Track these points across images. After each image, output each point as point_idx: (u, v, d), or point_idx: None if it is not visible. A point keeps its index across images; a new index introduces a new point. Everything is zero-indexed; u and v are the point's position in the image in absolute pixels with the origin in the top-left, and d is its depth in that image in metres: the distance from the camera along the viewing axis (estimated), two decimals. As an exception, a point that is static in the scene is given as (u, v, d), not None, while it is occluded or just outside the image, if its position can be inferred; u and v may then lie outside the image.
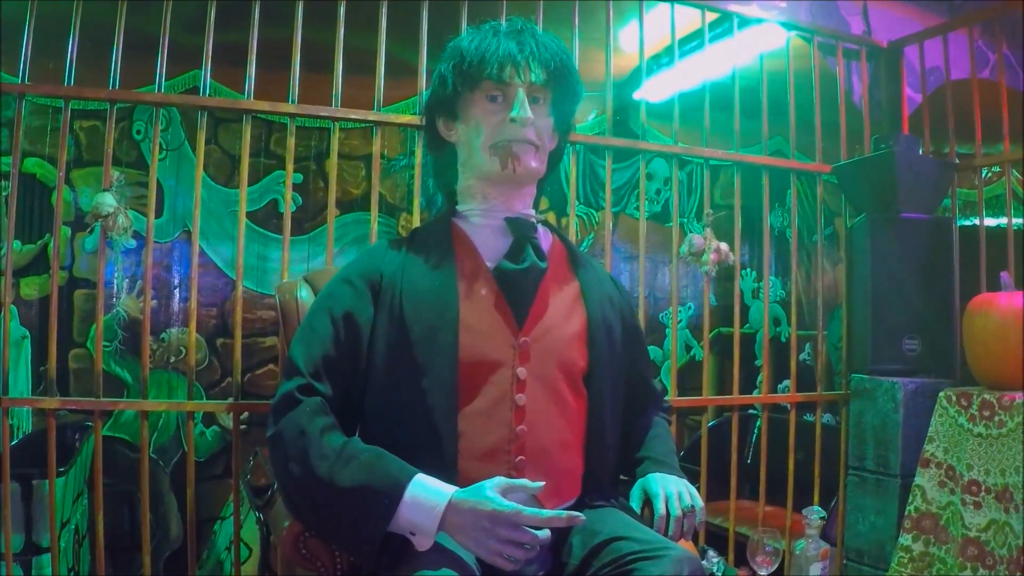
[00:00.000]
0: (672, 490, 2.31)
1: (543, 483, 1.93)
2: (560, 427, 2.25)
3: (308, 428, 2.06)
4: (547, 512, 1.89)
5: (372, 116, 3.31)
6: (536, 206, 2.46)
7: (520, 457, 2.15)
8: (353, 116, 3.31)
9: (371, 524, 1.93)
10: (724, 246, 3.67)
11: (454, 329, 2.18)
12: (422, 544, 1.93)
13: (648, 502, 2.33)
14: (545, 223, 2.48)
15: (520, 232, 2.32)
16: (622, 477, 2.51)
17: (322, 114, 3.30)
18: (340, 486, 1.97)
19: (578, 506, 2.23)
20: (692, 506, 2.28)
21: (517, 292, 2.27)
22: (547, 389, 2.24)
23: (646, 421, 2.62)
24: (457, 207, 2.44)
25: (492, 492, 1.92)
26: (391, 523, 1.92)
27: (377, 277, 2.28)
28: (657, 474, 2.39)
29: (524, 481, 1.93)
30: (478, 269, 2.30)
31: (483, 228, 2.36)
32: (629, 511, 2.31)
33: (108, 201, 2.95)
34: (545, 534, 1.87)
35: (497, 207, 2.35)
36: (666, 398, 2.90)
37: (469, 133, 2.33)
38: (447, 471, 2.08)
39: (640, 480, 2.40)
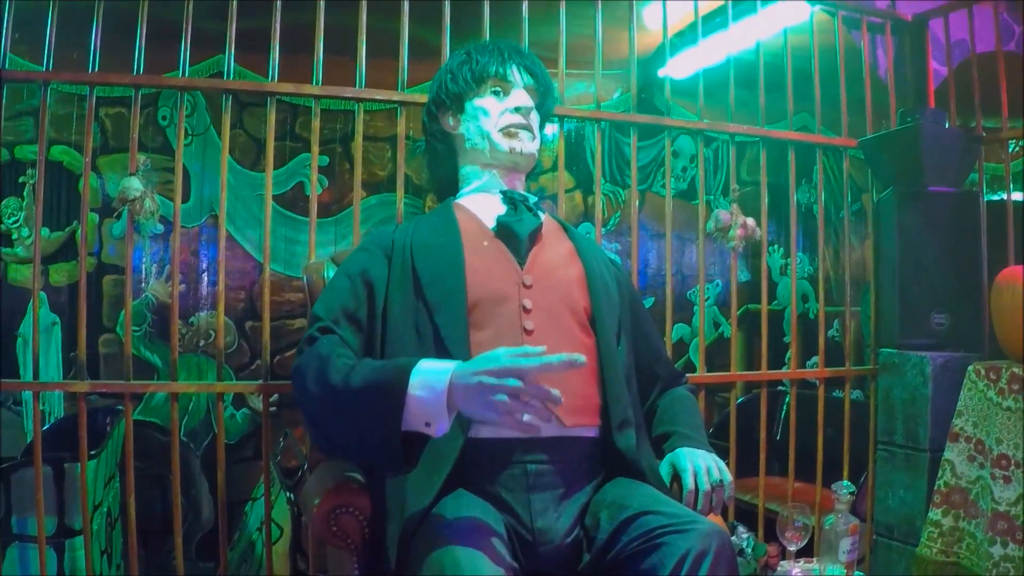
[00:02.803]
0: (701, 464, 2.34)
1: (544, 346, 1.90)
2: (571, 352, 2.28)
3: (324, 352, 2.16)
4: (545, 358, 1.87)
5: (396, 96, 3.32)
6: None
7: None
8: (377, 96, 3.31)
9: (386, 418, 1.95)
10: (751, 221, 3.66)
11: (461, 271, 2.35)
12: (439, 429, 1.94)
13: (677, 477, 2.36)
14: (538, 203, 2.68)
15: (512, 197, 2.55)
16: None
17: (346, 95, 3.30)
18: (353, 388, 2.03)
19: (605, 438, 2.31)
20: (721, 480, 2.31)
21: (516, 239, 2.46)
22: (555, 322, 2.35)
23: (671, 395, 2.68)
24: (457, 194, 2.67)
25: (494, 355, 1.92)
26: (405, 412, 1.93)
27: (389, 243, 2.48)
28: (685, 448, 2.42)
29: (527, 348, 1.90)
30: (479, 227, 2.52)
31: (482, 201, 2.59)
32: (658, 478, 2.34)
33: (135, 185, 2.96)
34: (556, 392, 1.85)
35: (495, 187, 2.60)
36: (687, 374, 2.94)
37: (476, 121, 2.62)
38: None
39: (668, 455, 2.44)
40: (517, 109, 2.58)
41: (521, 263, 2.42)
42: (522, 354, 1.88)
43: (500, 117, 2.59)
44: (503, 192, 2.57)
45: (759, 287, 3.95)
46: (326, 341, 2.23)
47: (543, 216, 2.60)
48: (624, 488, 2.23)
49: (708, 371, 3.84)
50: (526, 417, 1.85)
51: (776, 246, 6.06)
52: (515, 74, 2.63)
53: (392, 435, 1.94)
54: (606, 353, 2.37)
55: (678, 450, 2.42)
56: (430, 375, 1.94)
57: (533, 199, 2.60)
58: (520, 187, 2.65)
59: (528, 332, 2.27)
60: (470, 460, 2.15)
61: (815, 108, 3.97)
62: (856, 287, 4.14)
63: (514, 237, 2.45)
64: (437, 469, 2.12)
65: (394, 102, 3.34)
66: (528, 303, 2.32)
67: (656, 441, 2.53)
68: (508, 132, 2.57)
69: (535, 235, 2.49)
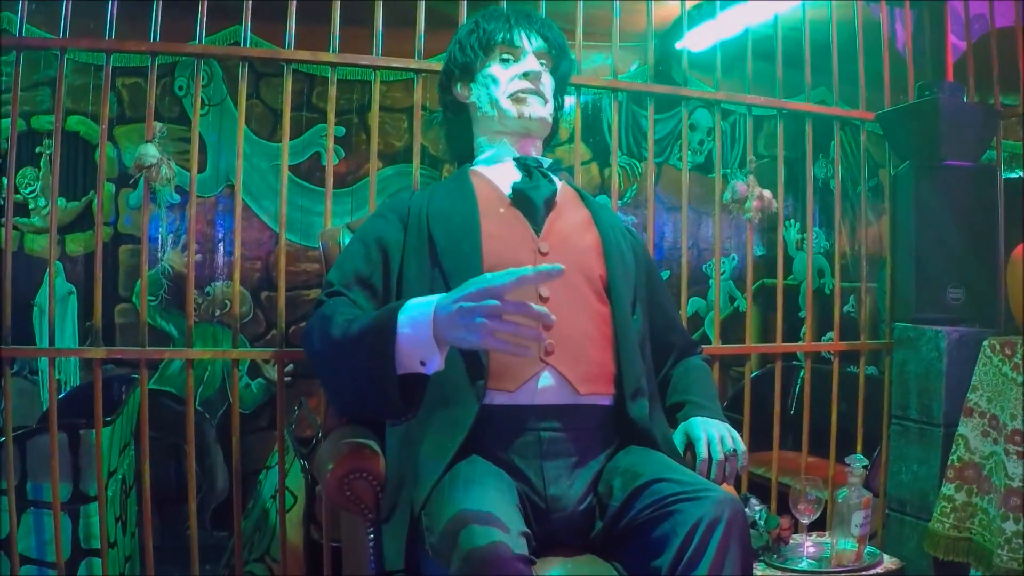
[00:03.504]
0: (714, 433, 2.35)
1: (561, 266, 1.83)
2: (586, 323, 2.34)
3: (328, 312, 2.19)
4: (519, 270, 1.83)
5: (413, 64, 3.31)
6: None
7: (548, 341, 2.22)
8: (394, 64, 3.31)
9: (380, 361, 1.95)
10: (767, 193, 3.65)
11: (477, 237, 2.35)
12: (431, 366, 1.94)
13: (690, 446, 2.36)
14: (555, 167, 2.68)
15: (526, 164, 2.55)
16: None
17: (363, 63, 3.30)
18: (351, 337, 2.04)
19: (618, 406, 2.32)
20: (735, 450, 2.32)
21: (532, 206, 2.46)
22: (570, 289, 2.34)
23: (685, 364, 2.69)
24: (474, 162, 2.67)
25: (475, 280, 1.90)
26: (397, 353, 1.93)
27: (405, 209, 2.49)
28: (699, 418, 2.43)
29: (512, 270, 1.84)
30: (495, 194, 2.52)
31: (497, 169, 2.58)
32: (671, 447, 2.35)
33: (151, 152, 2.97)
34: (541, 309, 1.82)
35: (510, 154, 2.60)
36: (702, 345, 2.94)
37: (487, 89, 2.62)
38: (478, 364, 2.20)
39: (682, 424, 2.45)
40: (525, 74, 2.57)
41: (537, 230, 2.41)
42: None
43: (509, 84, 2.58)
44: (515, 159, 2.57)
45: (775, 261, 3.94)
46: (332, 303, 2.24)
47: (560, 183, 2.60)
48: (637, 456, 2.25)
49: (723, 344, 3.85)
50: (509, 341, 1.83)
51: (792, 221, 6.05)
52: (523, 39, 2.61)
53: (387, 379, 1.95)
54: (621, 321, 2.37)
55: (692, 419, 2.43)
56: (415, 310, 1.94)
57: (548, 162, 2.61)
58: (536, 151, 2.64)
59: (543, 299, 2.26)
60: (484, 427, 2.16)
61: (833, 82, 3.96)
62: (872, 263, 4.14)
63: (530, 204, 2.44)
64: (451, 436, 2.13)
65: (411, 70, 3.33)
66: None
67: (670, 410, 2.54)
68: (516, 98, 2.56)
69: (551, 202, 2.49)
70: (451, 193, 2.51)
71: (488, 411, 2.18)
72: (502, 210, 2.45)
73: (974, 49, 4.09)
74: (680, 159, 3.84)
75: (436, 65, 3.07)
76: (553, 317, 1.80)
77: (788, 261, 6.00)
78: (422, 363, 1.94)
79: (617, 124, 3.69)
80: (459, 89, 2.69)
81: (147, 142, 3.00)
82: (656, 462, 2.19)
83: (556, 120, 2.75)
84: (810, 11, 3.91)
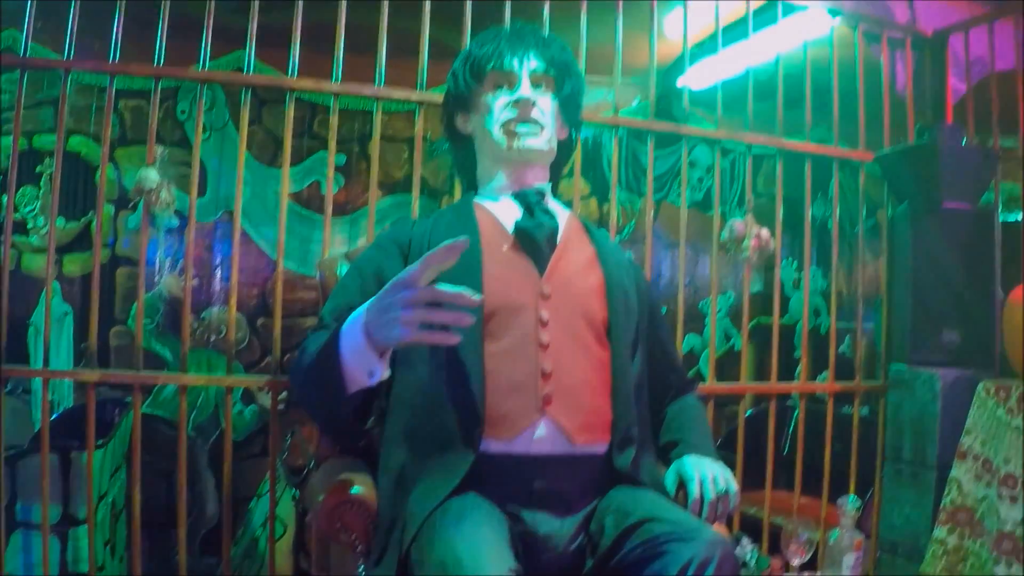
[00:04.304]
0: (707, 473, 2.32)
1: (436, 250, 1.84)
2: (585, 369, 2.30)
3: (306, 344, 2.21)
4: (423, 257, 1.83)
5: (415, 96, 3.33)
6: (554, 192, 2.67)
7: (547, 391, 2.21)
8: (396, 95, 3.32)
9: (331, 375, 1.99)
10: (765, 232, 3.65)
11: (478, 277, 2.30)
12: (377, 374, 1.96)
13: (682, 485, 2.34)
14: (558, 199, 2.67)
15: (526, 200, 2.47)
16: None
17: (365, 92, 3.32)
18: (310, 364, 2.09)
19: (610, 454, 2.28)
20: (727, 490, 2.29)
21: (535, 246, 2.40)
22: (570, 334, 2.31)
23: (680, 403, 2.67)
24: (477, 191, 2.63)
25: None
26: (346, 371, 1.96)
27: (406, 241, 2.46)
28: (692, 456, 2.41)
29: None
30: (498, 229, 2.45)
31: (500, 203, 2.53)
32: (662, 488, 2.34)
33: (151, 176, 2.98)
34: (458, 289, 1.84)
35: (509, 184, 2.53)
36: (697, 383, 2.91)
37: (482, 120, 2.54)
38: (476, 409, 2.17)
39: (675, 462, 2.42)
40: (517, 102, 2.47)
41: (540, 270, 2.37)
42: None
43: (500, 113, 2.49)
44: (514, 195, 2.50)
45: (771, 300, 3.95)
46: (313, 337, 2.23)
47: (567, 215, 2.58)
48: (629, 495, 2.23)
49: (717, 381, 3.84)
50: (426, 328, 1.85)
51: (790, 259, 6.06)
52: (516, 62, 2.51)
53: (341, 393, 2.00)
54: (619, 367, 2.35)
55: (684, 458, 2.41)
56: (351, 323, 1.97)
57: (545, 188, 2.56)
58: (539, 180, 2.56)
59: (543, 346, 2.25)
60: (478, 474, 2.14)
61: (833, 122, 3.97)
62: (869, 304, 4.14)
63: (533, 243, 2.40)
64: (445, 481, 2.12)
65: (412, 102, 3.35)
66: (545, 314, 2.29)
67: (664, 448, 2.53)
68: (507, 129, 2.48)
69: (555, 239, 2.45)
70: (453, 227, 2.43)
71: (483, 458, 2.16)
72: (505, 248, 2.40)
73: (974, 92, 4.11)
74: (679, 195, 3.85)
75: (438, 97, 3.07)
76: (478, 296, 1.81)
77: (784, 300, 6.01)
78: (370, 375, 1.96)
79: (617, 160, 3.69)
80: (459, 120, 2.65)
81: (148, 166, 3.01)
82: (647, 501, 2.18)
83: (567, 143, 2.69)
84: (811, 51, 3.92)
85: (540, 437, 2.17)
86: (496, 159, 2.55)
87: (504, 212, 2.49)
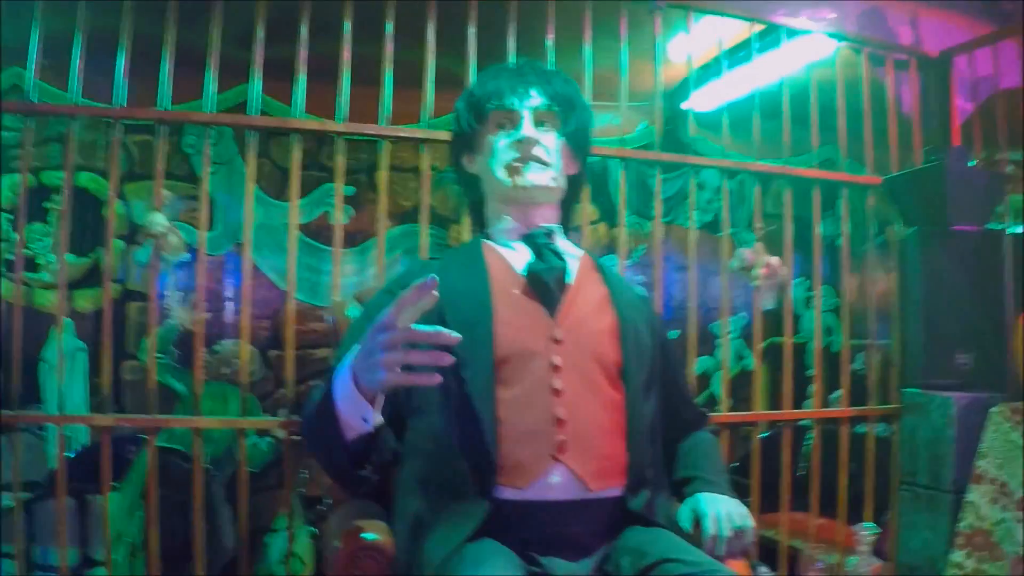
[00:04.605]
0: (722, 510, 2.31)
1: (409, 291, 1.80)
2: (599, 414, 2.28)
3: (310, 395, 2.19)
4: (399, 296, 1.81)
5: (420, 133, 3.35)
6: (564, 229, 2.64)
7: (561, 437, 2.19)
8: (402, 133, 3.34)
9: (329, 423, 1.97)
10: (775, 260, 3.66)
11: (489, 323, 2.27)
12: (370, 418, 1.95)
13: (698, 523, 2.33)
14: (568, 237, 2.63)
15: (534, 241, 2.45)
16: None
17: (370, 132, 3.34)
18: (312, 411, 2.06)
19: (625, 497, 2.26)
20: (742, 526, 2.28)
21: (547, 290, 2.36)
22: (584, 378, 2.28)
23: (693, 438, 2.65)
24: (486, 230, 2.60)
25: None
26: (341, 413, 1.95)
27: None
28: (707, 493, 2.40)
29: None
30: (508, 272, 2.42)
31: (509, 243, 2.51)
32: (677, 526, 2.32)
33: (159, 220, 2.99)
34: (433, 328, 1.80)
35: (517, 226, 2.51)
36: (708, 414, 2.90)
37: (485, 160, 2.52)
38: (489, 457, 2.15)
39: (689, 499, 2.41)
40: (519, 141, 2.44)
41: (552, 313, 2.35)
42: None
43: (503, 153, 2.46)
44: (523, 237, 2.48)
45: (782, 320, 3.94)
46: (318, 386, 2.18)
47: (580, 254, 2.56)
48: (644, 535, 2.22)
49: (732, 405, 3.84)
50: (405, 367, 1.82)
51: (801, 278, 6.05)
52: (517, 101, 2.48)
53: (339, 443, 1.99)
54: (633, 409, 2.32)
55: (699, 494, 2.40)
56: (340, 370, 1.96)
57: (554, 228, 2.54)
58: (548, 219, 2.53)
59: (557, 392, 2.23)
60: (493, 521, 2.13)
61: (839, 143, 3.96)
62: (883, 320, 4.12)
63: (544, 287, 2.37)
64: (460, 528, 2.11)
65: (418, 139, 3.37)
66: (557, 360, 2.27)
67: (678, 484, 2.52)
68: (510, 168, 2.44)
69: (565, 280, 2.42)
70: (463, 270, 2.42)
71: (497, 505, 2.15)
72: (515, 291, 2.37)
73: (981, 110, 4.11)
74: (688, 219, 3.85)
75: (444, 133, 3.08)
76: (455, 335, 1.78)
77: (796, 319, 6.00)
78: (364, 420, 1.95)
79: (624, 189, 3.68)
80: (465, 160, 2.63)
81: (155, 210, 3.03)
82: (664, 542, 2.17)
83: (578, 177, 2.64)
84: (816, 71, 3.93)
85: (555, 484, 2.16)
86: (502, 199, 2.52)
87: (514, 254, 2.47)
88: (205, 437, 3.20)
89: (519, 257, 2.45)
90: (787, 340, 3.86)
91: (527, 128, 2.46)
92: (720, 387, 3.88)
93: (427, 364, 1.80)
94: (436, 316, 2.24)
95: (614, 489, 2.25)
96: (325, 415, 1.97)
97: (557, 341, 2.30)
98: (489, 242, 2.54)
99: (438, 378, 1.83)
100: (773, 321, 4.19)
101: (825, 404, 4.15)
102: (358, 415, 1.94)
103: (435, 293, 1.78)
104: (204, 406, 3.24)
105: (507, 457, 2.16)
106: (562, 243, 2.55)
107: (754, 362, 3.92)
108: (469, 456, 2.16)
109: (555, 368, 2.26)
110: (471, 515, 2.13)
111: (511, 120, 2.49)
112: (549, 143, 2.49)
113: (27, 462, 4.12)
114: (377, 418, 1.97)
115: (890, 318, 4.12)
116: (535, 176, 2.45)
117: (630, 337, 2.39)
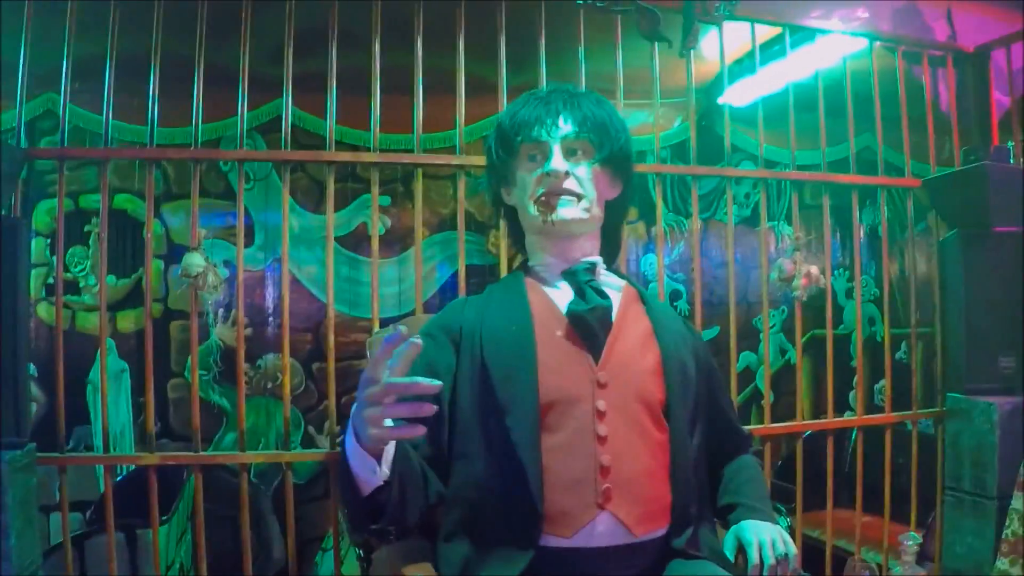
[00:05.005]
0: (766, 537, 2.30)
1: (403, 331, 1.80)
2: (644, 457, 2.25)
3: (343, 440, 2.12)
4: (376, 352, 1.81)
5: (455, 160, 3.32)
6: (609, 255, 2.59)
7: (606, 486, 2.17)
8: (436, 161, 3.32)
9: (346, 478, 1.98)
10: (815, 270, 3.63)
11: (533, 369, 2.23)
12: (378, 471, 1.94)
13: (742, 550, 2.33)
14: (613, 270, 2.57)
15: (575, 279, 2.40)
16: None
17: (403, 160, 3.33)
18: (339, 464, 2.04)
19: (669, 536, 2.24)
20: (786, 554, 2.28)
21: (590, 331, 2.32)
22: (628, 421, 2.26)
23: (737, 463, 2.62)
24: (528, 262, 2.55)
25: None
26: (353, 469, 1.95)
27: (457, 329, 2.39)
28: (750, 521, 2.39)
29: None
30: (551, 312, 2.37)
31: (550, 278, 2.47)
32: (720, 557, 2.32)
33: (196, 261, 3.00)
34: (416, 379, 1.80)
35: (556, 260, 2.46)
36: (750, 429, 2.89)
37: (518, 193, 2.47)
38: (534, 505, 2.13)
39: (733, 527, 2.41)
40: (547, 174, 2.34)
41: (595, 356, 2.30)
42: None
43: (534, 187, 2.39)
44: (564, 274, 2.43)
45: (824, 312, 3.92)
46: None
47: (623, 286, 2.51)
48: (689, 568, 2.22)
49: (775, 399, 3.83)
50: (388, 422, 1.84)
51: (841, 269, 6.03)
52: (547, 131, 2.37)
53: (356, 499, 1.99)
54: (677, 448, 2.30)
55: (743, 523, 2.39)
56: (350, 427, 1.95)
57: (595, 262, 2.46)
58: (587, 252, 2.47)
59: (601, 439, 2.21)
60: (538, 567, 2.14)
61: (876, 140, 3.93)
62: (925, 308, 4.08)
63: (587, 327, 2.33)
64: (506, 572, 2.12)
65: (452, 166, 3.35)
66: (602, 404, 2.24)
67: (721, 511, 2.51)
68: (541, 202, 2.37)
69: (609, 320, 2.37)
70: (505, 310, 2.39)
71: (542, 552, 2.15)
72: (559, 333, 2.33)
73: (1019, 104, 4.06)
74: (726, 213, 3.81)
75: (477, 159, 3.07)
76: (434, 383, 1.77)
77: (838, 310, 6.00)
78: (374, 473, 1.94)
79: (660, 198, 3.67)
80: (503, 192, 2.57)
81: (192, 250, 3.03)
82: (708, 574, 2.18)
83: (618, 202, 2.55)
84: (851, 63, 3.90)
85: (599, 532, 2.15)
86: (537, 233, 2.45)
87: (556, 292, 2.43)
88: (249, 449, 3.22)
89: (561, 296, 2.41)
90: (829, 350, 3.82)
91: (556, 161, 2.36)
92: (763, 382, 3.87)
93: (408, 416, 1.80)
94: (479, 359, 2.29)
95: (658, 531, 2.25)
96: (343, 469, 1.99)
97: (601, 385, 2.27)
98: (531, 278, 2.50)
99: (422, 429, 1.82)
100: (813, 314, 4.16)
101: (869, 396, 4.12)
102: (367, 469, 1.94)
103: (418, 342, 1.77)
104: (248, 419, 3.26)
105: (552, 506, 2.15)
106: (604, 276, 2.50)
107: (796, 355, 3.89)
108: (514, 505, 2.15)
109: (599, 413, 2.23)
110: (516, 562, 2.13)
111: (541, 152, 2.40)
112: (581, 173, 2.39)
113: (77, 482, 4.18)
114: (384, 472, 1.96)
115: (932, 306, 4.08)
116: (567, 211, 2.37)
117: (675, 372, 2.36)
